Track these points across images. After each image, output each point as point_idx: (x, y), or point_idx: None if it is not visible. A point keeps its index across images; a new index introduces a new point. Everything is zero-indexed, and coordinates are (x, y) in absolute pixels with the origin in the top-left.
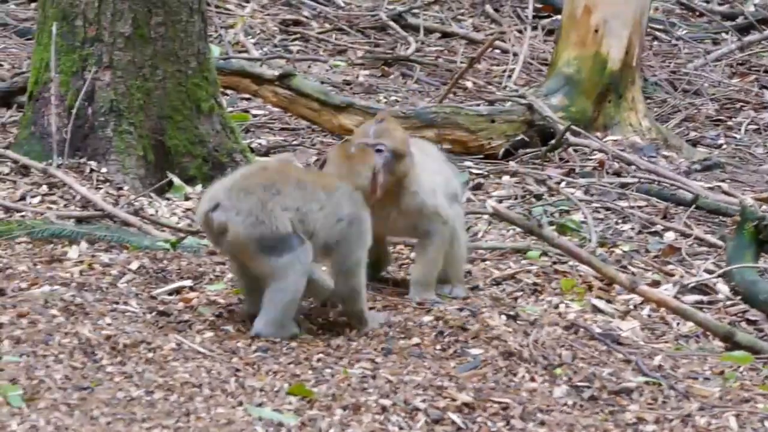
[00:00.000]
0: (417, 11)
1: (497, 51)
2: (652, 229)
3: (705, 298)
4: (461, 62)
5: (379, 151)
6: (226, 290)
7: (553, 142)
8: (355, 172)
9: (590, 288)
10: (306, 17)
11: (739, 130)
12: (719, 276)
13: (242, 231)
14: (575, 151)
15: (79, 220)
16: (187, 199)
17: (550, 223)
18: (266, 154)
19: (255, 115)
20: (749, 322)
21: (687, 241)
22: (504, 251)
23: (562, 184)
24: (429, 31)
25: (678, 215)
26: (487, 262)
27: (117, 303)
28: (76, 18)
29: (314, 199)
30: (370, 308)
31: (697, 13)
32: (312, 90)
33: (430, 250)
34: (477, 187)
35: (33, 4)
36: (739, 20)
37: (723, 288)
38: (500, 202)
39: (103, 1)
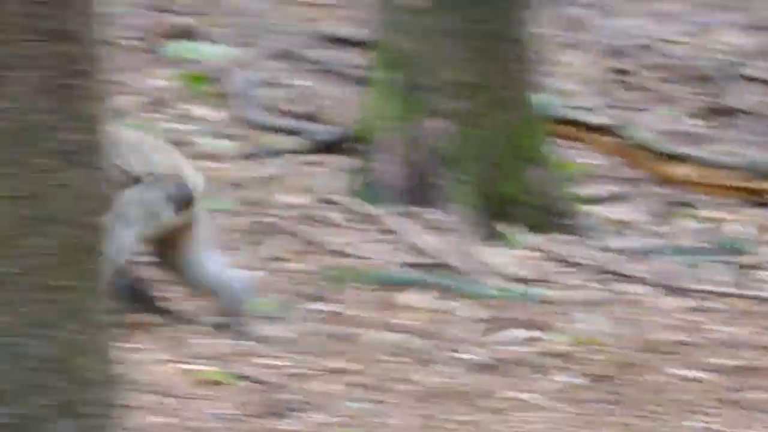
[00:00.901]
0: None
1: None
2: None
3: None
4: None
5: None
6: (569, 340)
7: None
8: None
9: None
10: (635, 66)
11: None
12: None
13: None
14: None
15: (413, 267)
16: (519, 248)
17: None
18: (597, 203)
19: (585, 164)
20: None
21: None
22: None
23: None
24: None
25: None
26: None
27: (455, 351)
28: (408, 65)
29: None
30: None
31: None
32: (641, 139)
33: None
34: None
35: (365, 51)
36: None
37: None
38: None
39: (435, 48)
